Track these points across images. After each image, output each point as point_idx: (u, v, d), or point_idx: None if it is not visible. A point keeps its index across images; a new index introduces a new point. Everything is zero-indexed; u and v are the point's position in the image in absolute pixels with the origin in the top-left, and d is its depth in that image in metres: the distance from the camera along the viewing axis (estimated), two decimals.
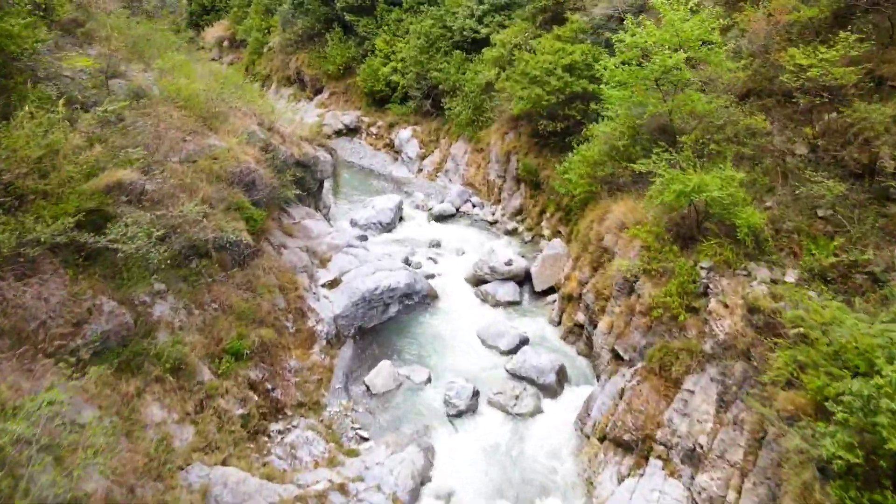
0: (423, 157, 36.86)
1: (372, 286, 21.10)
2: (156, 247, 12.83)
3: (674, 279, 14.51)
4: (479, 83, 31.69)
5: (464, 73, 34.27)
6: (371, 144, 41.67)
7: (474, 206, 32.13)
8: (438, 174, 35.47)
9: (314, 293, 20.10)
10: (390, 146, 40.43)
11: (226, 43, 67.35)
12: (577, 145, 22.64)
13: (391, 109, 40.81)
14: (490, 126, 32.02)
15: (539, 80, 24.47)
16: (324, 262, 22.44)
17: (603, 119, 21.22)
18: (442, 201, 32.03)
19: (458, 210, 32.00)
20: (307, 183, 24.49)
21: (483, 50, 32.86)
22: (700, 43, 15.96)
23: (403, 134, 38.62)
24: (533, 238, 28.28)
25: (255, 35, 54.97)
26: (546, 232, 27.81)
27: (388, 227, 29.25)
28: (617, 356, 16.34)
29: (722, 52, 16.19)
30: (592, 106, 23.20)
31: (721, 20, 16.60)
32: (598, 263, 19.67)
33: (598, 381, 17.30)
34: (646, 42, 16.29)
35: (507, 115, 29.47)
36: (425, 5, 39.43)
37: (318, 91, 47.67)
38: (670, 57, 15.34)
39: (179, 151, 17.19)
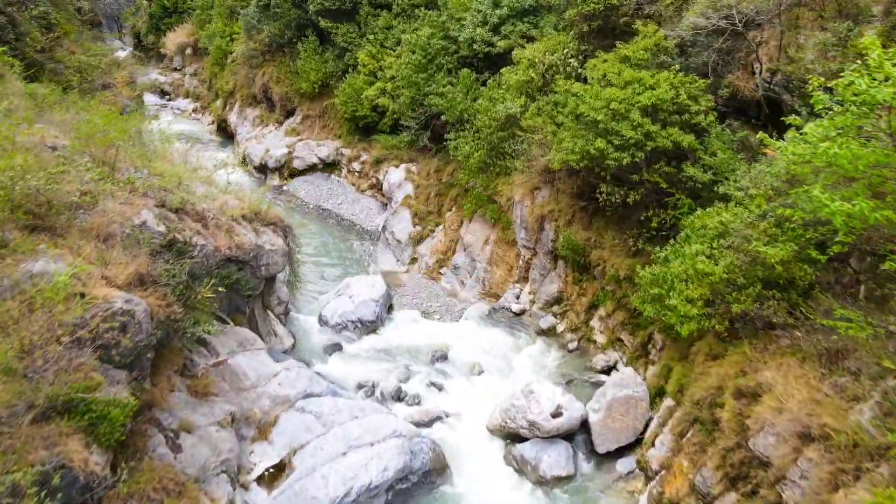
0: (417, 240, 27.62)
1: (340, 491, 12.58)
2: None
3: None
4: (496, 116, 23.14)
5: (475, 100, 25.72)
6: (353, 184, 32.97)
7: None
8: (442, 269, 26.29)
9: None
10: (377, 188, 31.76)
11: (189, 50, 58.40)
12: (674, 240, 14.14)
13: (378, 140, 32.13)
14: (512, 175, 23.44)
15: (602, 126, 15.91)
16: (264, 431, 13.96)
17: (728, 202, 12.77)
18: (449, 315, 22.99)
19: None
20: (245, 286, 15.85)
21: (502, 70, 24.29)
22: None
23: (394, 175, 29.89)
24: (579, 345, 19.72)
25: (217, 42, 46.10)
26: (600, 339, 19.29)
27: (371, 327, 20.58)
28: None
29: None
30: (694, 172, 14.71)
31: None
32: (737, 470, 11.14)
33: None
34: None
35: (541, 165, 20.90)
36: (421, 9, 30.81)
37: (290, 113, 38.90)
38: None
39: None
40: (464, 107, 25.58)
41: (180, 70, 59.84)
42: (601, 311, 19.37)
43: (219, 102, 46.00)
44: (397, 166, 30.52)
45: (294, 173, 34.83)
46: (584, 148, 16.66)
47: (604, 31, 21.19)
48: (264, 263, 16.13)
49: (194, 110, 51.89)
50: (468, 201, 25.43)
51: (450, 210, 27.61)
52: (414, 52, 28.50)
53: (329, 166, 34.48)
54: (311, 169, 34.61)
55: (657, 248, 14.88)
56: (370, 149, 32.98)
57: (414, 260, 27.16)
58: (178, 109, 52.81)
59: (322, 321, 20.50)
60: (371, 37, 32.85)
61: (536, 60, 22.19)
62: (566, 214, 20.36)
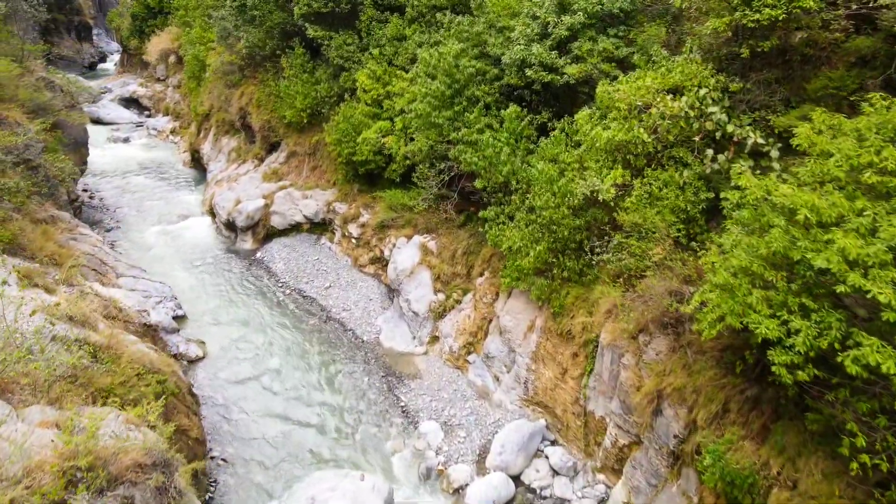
0: (440, 312, 18.90)
1: None
2: None
3: None
4: (565, 190, 13.94)
5: (528, 153, 16.52)
6: (349, 255, 23.85)
7: (554, 464, 14.37)
8: (471, 357, 17.62)
9: None
10: (380, 263, 22.69)
11: (172, 58, 49.85)
12: None
13: (384, 196, 23.05)
14: (595, 287, 14.18)
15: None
16: None
17: None
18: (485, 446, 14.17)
19: (517, 478, 14.28)
20: None
21: (578, 116, 14.93)
22: None
23: (404, 254, 20.70)
24: None
25: (193, 52, 37.34)
26: None
27: None
28: None
29: None
30: None
31: None
32: None
33: None
34: None
35: (658, 304, 11.56)
36: (446, 14, 21.58)
37: (273, 147, 29.94)
38: None
39: None
40: (510, 168, 16.32)
41: (164, 81, 51.33)
42: None
43: (193, 127, 37.20)
44: (409, 237, 21.36)
45: (272, 233, 25.86)
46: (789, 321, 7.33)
47: (770, 58, 11.82)
48: None
49: (172, 131, 43.24)
50: (507, 271, 16.23)
51: (482, 274, 18.69)
52: (434, 78, 19.28)
53: (318, 226, 25.43)
54: (295, 229, 25.60)
55: None
56: (373, 205, 23.86)
57: (434, 339, 18.97)
58: (155, 130, 44.19)
59: None
60: (375, 51, 23.68)
61: (642, 102, 12.85)
62: (711, 401, 10.99)
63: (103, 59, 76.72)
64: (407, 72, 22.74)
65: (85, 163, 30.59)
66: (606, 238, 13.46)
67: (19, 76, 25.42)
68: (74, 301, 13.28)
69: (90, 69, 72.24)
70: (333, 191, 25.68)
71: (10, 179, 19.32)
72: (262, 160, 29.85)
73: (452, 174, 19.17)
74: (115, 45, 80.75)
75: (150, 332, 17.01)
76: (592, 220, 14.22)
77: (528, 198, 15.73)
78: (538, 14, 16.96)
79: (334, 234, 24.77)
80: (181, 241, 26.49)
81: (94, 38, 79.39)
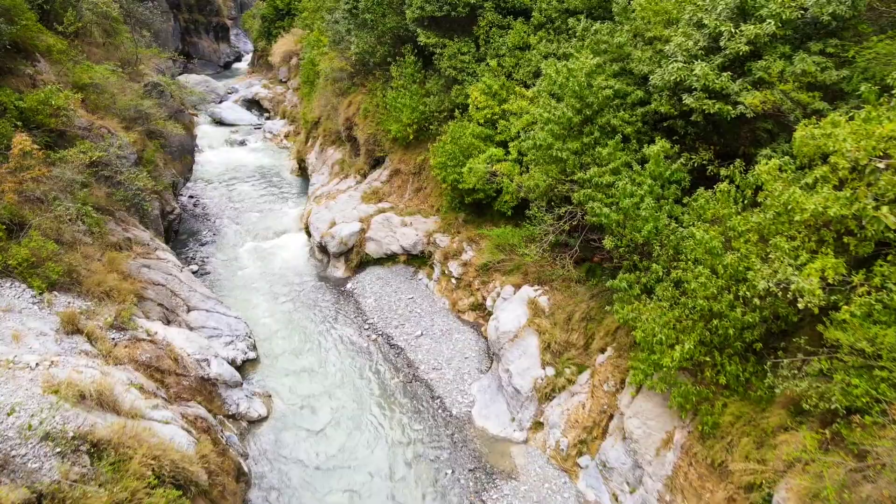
0: (547, 393, 15.11)
1: None
2: None
3: None
4: (734, 272, 9.84)
5: (674, 218, 12.46)
6: (447, 297, 20.68)
7: None
8: (583, 459, 13.75)
9: None
10: (481, 310, 19.31)
11: (294, 60, 49.43)
12: None
13: (490, 235, 19.65)
14: (770, 411, 9.95)
15: None
16: None
17: None
18: None
19: None
20: None
21: (760, 168, 10.63)
22: None
23: (509, 309, 17.10)
24: None
25: (309, 55, 35.95)
26: None
27: None
28: None
29: None
30: None
31: None
32: None
33: None
34: None
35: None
36: (582, 18, 17.73)
37: (377, 163, 27.49)
38: None
39: None
40: (651, 226, 12.29)
41: (285, 83, 51.11)
42: None
43: (302, 134, 35.78)
44: (517, 286, 17.80)
45: (366, 261, 23.27)
46: None
47: None
48: None
49: (286, 136, 42.43)
50: (638, 362, 12.13)
51: (603, 350, 14.81)
52: (560, 100, 15.56)
53: (416, 259, 22.51)
54: (391, 259, 22.83)
55: None
56: (479, 241, 20.54)
57: (538, 425, 15.18)
58: (270, 134, 43.66)
59: None
60: (493, 62, 20.28)
61: (888, 162, 8.48)
62: None
63: (238, 58, 79.32)
64: (528, 87, 19.16)
65: (190, 171, 29.79)
66: (800, 357, 9.17)
67: (125, 81, 24.65)
68: (99, 366, 11.03)
69: (225, 68, 74.89)
70: (436, 219, 22.64)
71: (94, 195, 17.99)
72: (364, 176, 27.46)
73: (575, 221, 15.35)
74: (251, 46, 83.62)
75: (206, 388, 14.73)
76: (774, 318, 9.96)
77: (675, 269, 11.67)
78: (705, 21, 12.74)
79: (433, 269, 21.72)
80: (272, 262, 24.62)
81: (232, 38, 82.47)
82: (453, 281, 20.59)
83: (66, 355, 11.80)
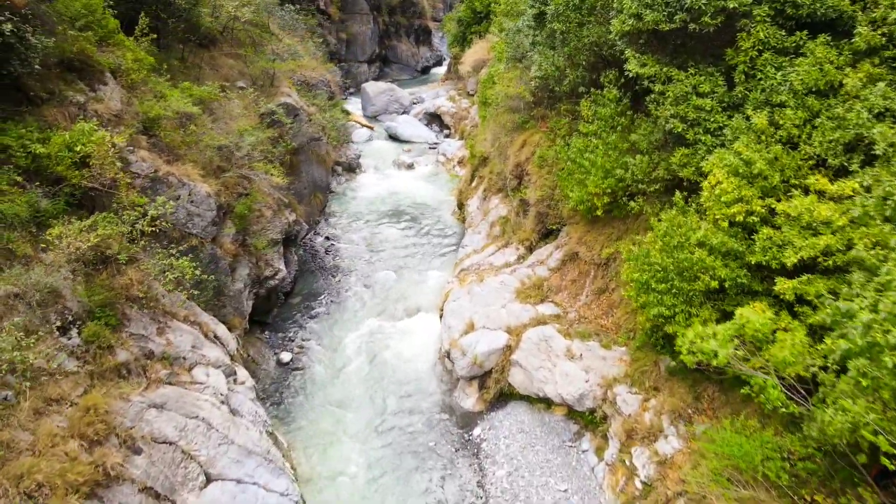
0: None
1: None
2: None
3: None
4: None
5: None
6: (622, 500, 12.22)
7: None
8: None
9: None
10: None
11: (484, 71, 42.86)
12: None
13: (715, 442, 10.78)
14: None
15: None
16: None
17: None
18: None
19: None
20: None
21: None
22: None
23: None
24: None
25: (490, 71, 28.93)
26: None
27: None
28: None
29: None
30: None
31: None
32: None
33: None
34: None
35: None
36: None
37: (549, 234, 19.50)
38: None
39: None
40: None
41: (473, 96, 44.80)
42: None
43: (466, 171, 28.89)
44: None
45: (509, 394, 15.55)
46: None
47: None
48: None
49: (460, 161, 35.95)
50: None
51: None
52: None
53: (580, 414, 14.25)
54: (543, 402, 14.85)
55: None
56: (696, 416, 11.76)
57: None
58: (444, 156, 37.53)
59: None
60: (759, 116, 11.22)
61: None
62: None
63: (439, 62, 75.24)
64: (836, 173, 9.93)
65: (321, 212, 24.41)
66: None
67: (245, 103, 19.62)
68: None
69: (423, 73, 71.27)
70: (622, 353, 14.16)
71: (127, 276, 12.68)
72: (530, 249, 19.67)
73: None
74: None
75: None
76: None
77: None
78: None
79: (606, 442, 13.33)
80: (386, 362, 17.98)
81: (436, 41, 78.80)
82: (637, 483, 12.05)
83: None
